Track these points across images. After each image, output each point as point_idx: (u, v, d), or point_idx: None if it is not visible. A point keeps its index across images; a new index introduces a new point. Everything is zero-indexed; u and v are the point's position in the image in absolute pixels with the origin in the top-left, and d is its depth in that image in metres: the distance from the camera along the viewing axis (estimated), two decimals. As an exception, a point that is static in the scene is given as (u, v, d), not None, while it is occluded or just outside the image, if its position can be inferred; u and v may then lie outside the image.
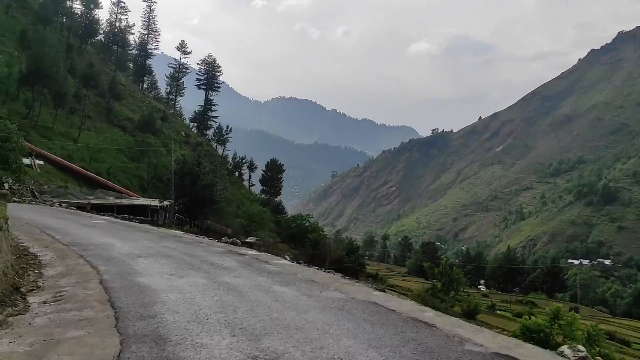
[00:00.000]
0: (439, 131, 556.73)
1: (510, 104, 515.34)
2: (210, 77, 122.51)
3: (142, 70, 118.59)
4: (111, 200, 55.54)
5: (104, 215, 39.58)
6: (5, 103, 66.27)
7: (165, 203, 54.04)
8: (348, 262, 51.91)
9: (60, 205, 42.59)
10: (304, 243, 55.16)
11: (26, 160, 55.80)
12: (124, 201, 54.21)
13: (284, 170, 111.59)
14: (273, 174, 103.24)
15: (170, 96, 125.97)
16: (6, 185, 49.74)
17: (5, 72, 69.87)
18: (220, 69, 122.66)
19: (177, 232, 28.73)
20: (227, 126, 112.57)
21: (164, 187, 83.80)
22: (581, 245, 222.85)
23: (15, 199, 36.20)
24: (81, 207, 48.31)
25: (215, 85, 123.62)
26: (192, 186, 50.16)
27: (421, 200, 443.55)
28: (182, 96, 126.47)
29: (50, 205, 39.23)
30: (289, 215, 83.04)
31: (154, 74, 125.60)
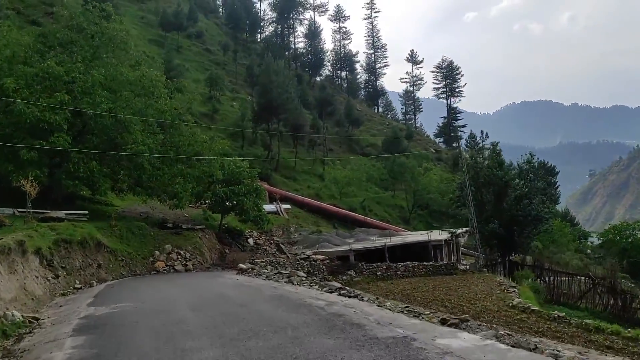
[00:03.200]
0: None
1: None
2: (449, 82, 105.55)
3: (375, 93, 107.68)
4: (376, 240, 40.92)
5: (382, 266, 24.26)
6: (243, 148, 58.69)
7: (460, 231, 37.75)
8: None
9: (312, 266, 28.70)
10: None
11: (270, 207, 45.26)
12: (394, 240, 38.96)
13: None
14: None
15: (408, 115, 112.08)
16: (250, 241, 38.97)
17: (239, 115, 63.32)
18: (460, 70, 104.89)
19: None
20: (483, 131, 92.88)
21: (430, 215, 67.87)
22: None
23: (245, 265, 22.83)
24: (343, 258, 34.38)
25: (457, 90, 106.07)
26: (498, 202, 33.09)
27: None
28: (420, 112, 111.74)
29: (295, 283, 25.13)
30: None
31: (387, 93, 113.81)
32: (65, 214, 24.91)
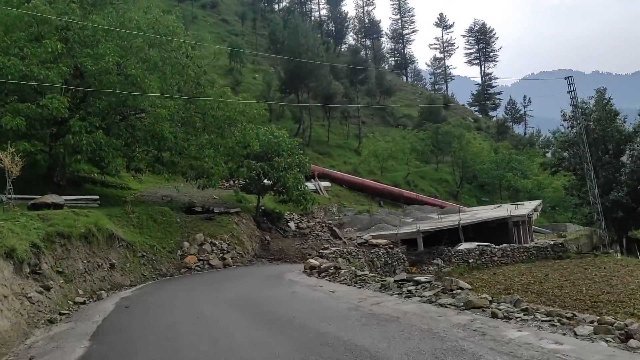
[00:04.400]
0: None
1: None
2: (482, 46, 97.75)
3: (403, 61, 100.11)
4: (441, 219, 34.60)
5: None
6: (271, 122, 52.47)
7: (536, 205, 31.04)
8: None
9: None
10: None
11: (309, 185, 39.20)
12: (465, 217, 32.53)
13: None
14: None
15: (437, 85, 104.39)
16: (292, 225, 33.05)
17: (264, 87, 57.03)
18: (494, 32, 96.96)
19: None
20: (525, 97, 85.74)
21: (480, 189, 61.14)
22: None
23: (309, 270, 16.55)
24: (409, 241, 28.29)
25: (491, 54, 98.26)
26: (615, 164, 26.27)
27: None
28: (452, 79, 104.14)
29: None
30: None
31: (416, 61, 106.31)
32: (67, 200, 19.05)
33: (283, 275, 15.96)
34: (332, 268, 14.07)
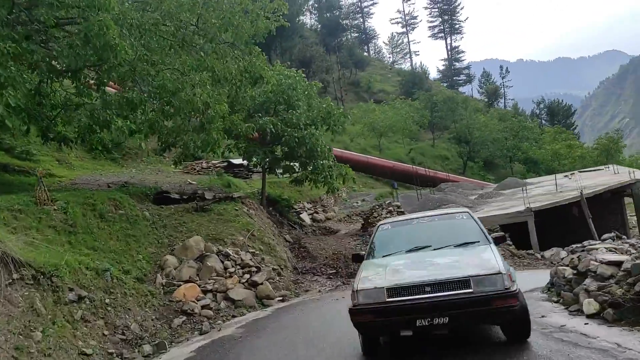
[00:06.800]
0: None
1: None
2: (447, 18, 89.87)
3: (365, 37, 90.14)
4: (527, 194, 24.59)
5: None
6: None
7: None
8: None
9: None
10: None
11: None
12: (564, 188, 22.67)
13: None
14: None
15: (395, 63, 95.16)
16: (305, 218, 22.65)
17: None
18: (460, 3, 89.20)
19: None
20: (502, 66, 78.50)
21: (484, 167, 51.63)
22: None
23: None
24: (509, 227, 18.23)
25: (457, 25, 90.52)
26: None
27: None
28: (417, 55, 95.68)
29: None
30: None
31: (378, 36, 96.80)
32: None
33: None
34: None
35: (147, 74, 11.70)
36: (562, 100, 78.40)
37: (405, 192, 31.84)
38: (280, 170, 20.52)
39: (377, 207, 18.95)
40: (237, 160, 23.17)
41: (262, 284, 10.74)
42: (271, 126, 16.29)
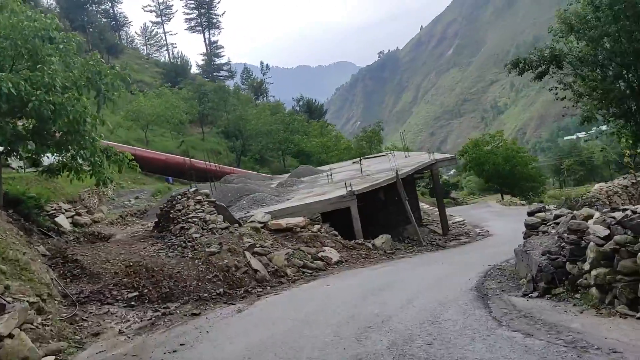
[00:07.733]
0: (384, 53, 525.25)
1: (447, 4, 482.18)
2: (205, 11, 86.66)
3: (116, 24, 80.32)
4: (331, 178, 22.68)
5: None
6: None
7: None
8: None
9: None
10: None
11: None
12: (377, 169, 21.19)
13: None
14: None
15: (151, 55, 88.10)
16: (63, 222, 17.20)
17: None
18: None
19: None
20: (263, 62, 78.88)
21: (257, 161, 49.44)
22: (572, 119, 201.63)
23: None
24: (329, 214, 16.01)
25: (215, 20, 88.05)
26: None
27: (390, 126, 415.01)
28: (175, 47, 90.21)
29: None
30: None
31: (130, 23, 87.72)
32: None
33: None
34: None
35: None
36: (316, 100, 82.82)
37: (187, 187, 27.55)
38: (21, 163, 14.83)
39: (178, 197, 14.50)
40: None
41: (10, 336, 5.76)
42: (10, 86, 10.77)
